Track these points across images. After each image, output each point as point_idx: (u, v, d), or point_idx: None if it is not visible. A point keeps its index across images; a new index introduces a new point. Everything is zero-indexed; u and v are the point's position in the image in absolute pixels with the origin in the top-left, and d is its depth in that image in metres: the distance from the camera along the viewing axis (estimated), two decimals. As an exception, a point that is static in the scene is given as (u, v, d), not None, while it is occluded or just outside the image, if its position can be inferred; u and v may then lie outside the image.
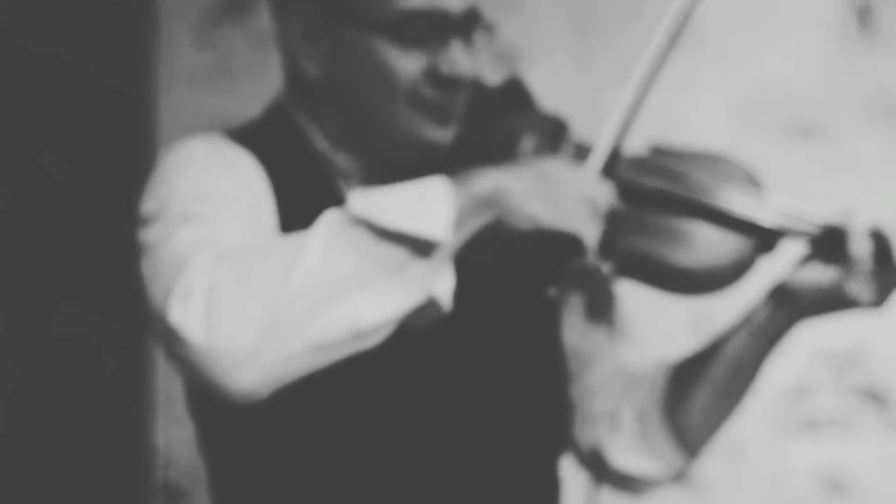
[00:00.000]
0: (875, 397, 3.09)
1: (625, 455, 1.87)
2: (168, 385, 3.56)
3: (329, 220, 1.45)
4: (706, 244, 1.76)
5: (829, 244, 1.77)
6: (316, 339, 1.41)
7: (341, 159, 1.72)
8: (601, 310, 1.93)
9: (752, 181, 1.81)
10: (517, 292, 1.76)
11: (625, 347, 1.94)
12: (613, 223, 1.70)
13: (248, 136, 1.73)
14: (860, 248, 1.75)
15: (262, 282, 1.42)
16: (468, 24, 1.69)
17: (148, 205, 1.62)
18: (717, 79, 3.15)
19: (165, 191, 1.61)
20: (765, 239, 1.77)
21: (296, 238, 1.46)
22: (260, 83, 3.43)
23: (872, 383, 3.10)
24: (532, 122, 1.81)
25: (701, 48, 3.09)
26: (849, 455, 3.08)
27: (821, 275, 1.76)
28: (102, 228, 3.44)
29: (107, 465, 3.45)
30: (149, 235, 1.57)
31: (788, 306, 1.78)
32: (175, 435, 3.57)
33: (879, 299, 1.77)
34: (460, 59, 1.67)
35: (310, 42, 1.69)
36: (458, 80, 1.68)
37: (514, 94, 1.84)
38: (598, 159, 1.69)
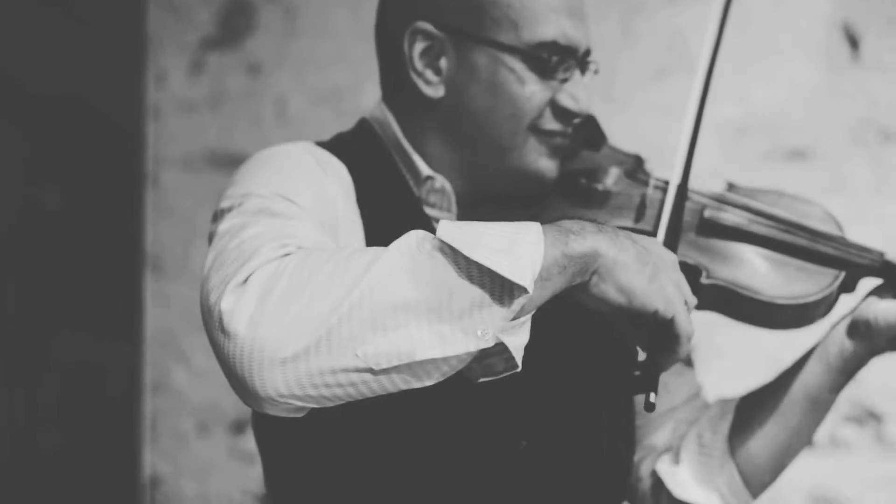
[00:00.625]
0: (870, 415, 3.08)
1: (687, 487, 1.83)
2: (155, 412, 3.55)
3: (412, 238, 1.32)
4: (795, 279, 1.71)
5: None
6: (365, 359, 1.27)
7: (439, 182, 1.70)
8: None
9: (831, 219, 1.80)
10: (591, 332, 1.70)
11: (690, 381, 1.90)
12: (702, 256, 1.68)
13: (339, 148, 1.70)
14: None
15: (324, 286, 1.28)
16: (585, 61, 1.72)
17: (228, 198, 1.54)
18: (708, 104, 3.07)
19: (248, 184, 1.55)
20: (851, 275, 1.73)
21: (372, 250, 1.32)
22: (253, 110, 3.47)
23: (866, 402, 3.08)
24: (614, 158, 1.83)
25: (692, 74, 3.10)
26: (843, 473, 3.06)
27: None
28: (97, 255, 3.44)
29: (106, 490, 3.44)
30: (222, 225, 1.48)
31: (867, 340, 1.71)
32: (161, 460, 3.56)
33: None
34: (580, 95, 1.69)
35: (429, 59, 1.68)
36: (577, 115, 1.70)
37: (591, 132, 1.85)
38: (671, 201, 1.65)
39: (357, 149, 1.70)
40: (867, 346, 1.72)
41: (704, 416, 1.86)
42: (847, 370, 1.74)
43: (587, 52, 1.71)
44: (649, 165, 1.85)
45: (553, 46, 1.66)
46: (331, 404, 1.31)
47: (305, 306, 1.27)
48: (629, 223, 1.72)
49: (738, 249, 1.73)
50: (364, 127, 1.75)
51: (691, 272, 1.67)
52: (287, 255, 1.34)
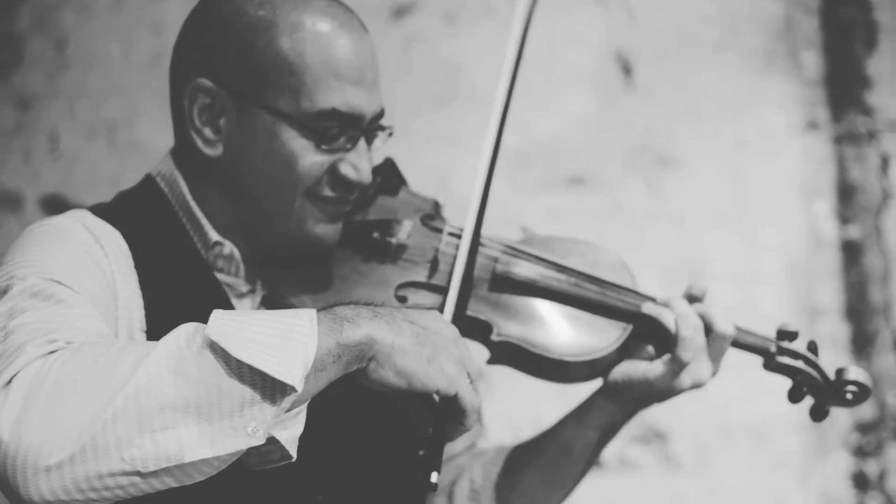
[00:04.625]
0: (656, 435, 3.12)
1: None
2: None
3: (182, 334, 1.31)
4: (584, 333, 1.73)
5: (651, 332, 1.74)
6: (132, 462, 1.26)
7: (227, 248, 1.67)
8: None
9: (624, 268, 1.81)
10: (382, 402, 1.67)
11: (473, 430, 1.93)
12: (493, 312, 1.69)
13: (118, 213, 1.64)
14: (687, 328, 1.72)
15: (89, 389, 1.27)
16: (374, 125, 1.69)
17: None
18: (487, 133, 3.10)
19: (18, 265, 1.50)
20: (641, 328, 1.75)
21: (142, 347, 1.31)
22: (24, 145, 3.33)
23: (650, 421, 3.13)
24: (411, 204, 1.83)
25: (472, 105, 3.15)
26: (631, 492, 3.12)
27: (655, 366, 1.75)
28: None
29: None
30: None
31: (616, 400, 1.79)
32: None
33: (715, 370, 1.77)
34: (363, 166, 1.66)
35: (209, 117, 1.65)
36: (357, 186, 1.68)
37: (388, 176, 1.85)
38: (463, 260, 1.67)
39: (140, 212, 1.67)
40: (617, 406, 1.79)
41: (478, 461, 1.90)
42: (601, 426, 1.81)
43: (377, 117, 1.70)
44: (446, 211, 1.85)
45: (332, 115, 1.64)
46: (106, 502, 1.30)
47: (70, 412, 1.26)
48: (422, 279, 1.72)
49: (530, 304, 1.74)
50: (149, 186, 1.71)
51: (482, 329, 1.70)
52: (54, 351, 1.31)
